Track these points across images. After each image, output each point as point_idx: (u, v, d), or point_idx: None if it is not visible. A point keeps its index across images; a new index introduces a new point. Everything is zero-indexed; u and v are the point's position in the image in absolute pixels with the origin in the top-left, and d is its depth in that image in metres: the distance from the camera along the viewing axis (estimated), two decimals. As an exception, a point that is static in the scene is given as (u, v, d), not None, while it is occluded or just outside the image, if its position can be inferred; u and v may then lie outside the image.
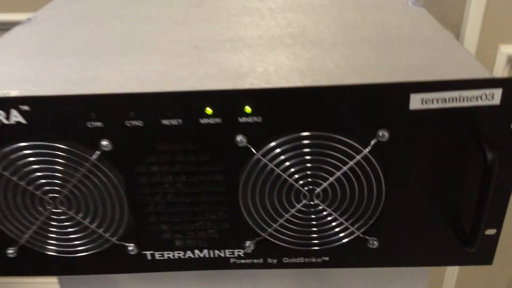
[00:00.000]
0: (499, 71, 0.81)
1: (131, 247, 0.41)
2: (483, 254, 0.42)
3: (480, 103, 0.35)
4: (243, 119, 0.35)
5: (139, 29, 0.49)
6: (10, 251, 0.42)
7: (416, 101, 0.35)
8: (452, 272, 1.07)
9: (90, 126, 0.36)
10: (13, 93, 0.36)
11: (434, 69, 0.37)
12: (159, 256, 0.42)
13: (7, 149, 0.37)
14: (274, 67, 0.38)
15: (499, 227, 0.40)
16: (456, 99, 0.35)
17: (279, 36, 0.45)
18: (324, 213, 0.39)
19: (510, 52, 0.80)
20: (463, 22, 0.78)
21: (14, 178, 0.38)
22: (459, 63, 0.38)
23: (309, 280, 0.51)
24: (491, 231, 0.40)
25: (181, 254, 0.42)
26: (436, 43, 0.41)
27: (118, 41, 0.46)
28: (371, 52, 0.40)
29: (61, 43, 0.46)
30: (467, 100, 0.35)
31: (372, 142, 0.36)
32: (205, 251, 0.42)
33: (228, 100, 0.35)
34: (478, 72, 0.36)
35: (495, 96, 0.34)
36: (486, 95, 0.34)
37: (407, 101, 0.35)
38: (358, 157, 0.37)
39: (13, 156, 0.37)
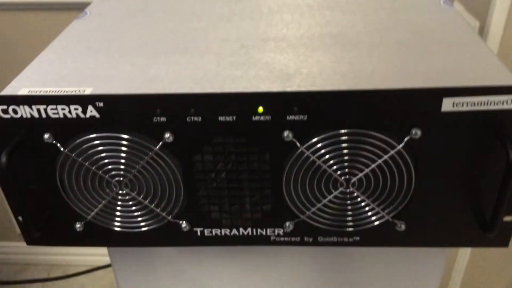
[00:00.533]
0: (524, 59, 0.83)
1: (184, 224, 0.47)
2: (501, 238, 0.46)
3: (505, 107, 0.39)
4: (290, 117, 0.40)
5: (188, 26, 0.53)
6: (78, 225, 0.47)
7: (448, 104, 0.39)
8: (463, 257, 1.12)
9: (155, 120, 0.41)
10: (88, 90, 0.41)
11: (465, 73, 0.40)
12: (208, 233, 0.48)
13: (82, 139, 0.42)
14: (318, 69, 0.42)
15: (517, 215, 0.45)
16: (483, 103, 0.38)
17: (319, 36, 0.49)
18: (358, 199, 0.44)
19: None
20: (489, 11, 0.80)
21: (86, 164, 0.43)
22: (487, 67, 0.41)
23: (330, 258, 0.56)
24: (509, 218, 0.45)
25: (227, 231, 0.48)
26: (466, 47, 0.45)
27: (171, 39, 0.50)
28: (406, 55, 0.44)
29: (120, 39, 0.50)
30: (493, 104, 0.38)
31: (406, 139, 0.40)
32: (249, 229, 0.47)
33: (278, 101, 0.39)
34: (504, 77, 0.40)
35: (520, 101, 0.38)
36: (510, 100, 0.38)
37: (439, 104, 0.39)
38: (392, 152, 0.41)
39: (86, 145, 0.42)
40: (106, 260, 1.39)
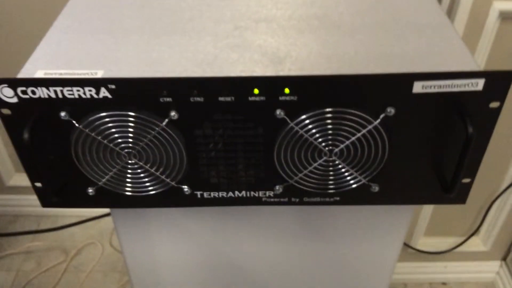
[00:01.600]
0: (490, 25, 0.89)
1: (186, 188, 0.53)
2: (460, 196, 0.54)
3: (467, 89, 0.45)
4: (282, 98, 0.45)
5: (184, 5, 0.56)
6: (90, 190, 0.53)
7: (418, 87, 0.45)
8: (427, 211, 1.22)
9: (162, 100, 0.45)
10: (99, 73, 0.45)
11: (433, 58, 0.46)
12: (207, 196, 0.54)
13: (95, 116, 0.47)
14: (306, 52, 0.48)
15: (473, 177, 0.52)
16: (449, 85, 0.45)
17: (306, 18, 0.53)
18: (339, 166, 0.51)
19: (502, 7, 0.87)
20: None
21: (98, 138, 0.48)
22: (453, 52, 0.47)
23: (313, 216, 0.63)
24: (467, 180, 0.52)
25: (224, 194, 0.54)
26: (437, 30, 0.50)
27: (169, 18, 0.54)
28: (384, 39, 0.49)
29: (120, 18, 0.54)
30: (457, 87, 0.45)
31: (381, 116, 0.47)
32: (243, 192, 0.54)
33: (271, 84, 0.44)
34: (467, 63, 0.46)
35: (479, 84, 0.44)
36: (472, 83, 0.44)
37: (411, 86, 0.45)
38: (370, 127, 0.47)
39: (99, 121, 0.47)
40: (95, 211, 1.46)
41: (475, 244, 1.33)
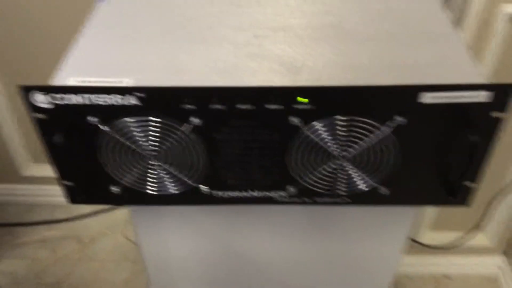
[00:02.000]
0: (500, 28, 0.91)
1: (204, 188, 0.56)
2: (464, 198, 0.57)
3: (473, 100, 0.47)
4: (297, 106, 0.48)
5: (203, 12, 0.59)
6: (114, 188, 0.56)
7: (425, 97, 0.47)
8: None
9: (184, 108, 0.48)
10: (125, 81, 0.48)
11: (440, 70, 0.49)
12: (224, 195, 0.57)
13: (121, 120, 0.50)
14: (322, 62, 0.50)
15: (477, 181, 0.55)
16: (456, 97, 0.47)
17: (322, 27, 0.56)
18: (350, 170, 0.54)
19: (511, 11, 0.89)
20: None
21: (124, 141, 0.51)
22: (459, 65, 0.50)
23: (321, 214, 0.66)
24: (471, 184, 0.55)
25: (240, 193, 0.57)
26: (445, 41, 0.53)
27: (189, 25, 0.57)
28: (396, 49, 0.52)
29: (143, 26, 0.57)
30: (464, 98, 0.47)
31: (393, 124, 0.49)
32: (258, 192, 0.57)
33: (288, 94, 0.47)
34: (472, 75, 0.48)
35: (484, 96, 0.47)
36: (477, 95, 0.47)
37: (420, 96, 0.47)
38: (379, 134, 0.50)
39: (125, 125, 0.50)
40: (108, 202, 1.49)
41: (479, 239, 1.35)
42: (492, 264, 1.40)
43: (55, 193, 1.52)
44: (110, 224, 1.50)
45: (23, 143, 1.46)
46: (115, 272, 1.40)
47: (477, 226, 1.31)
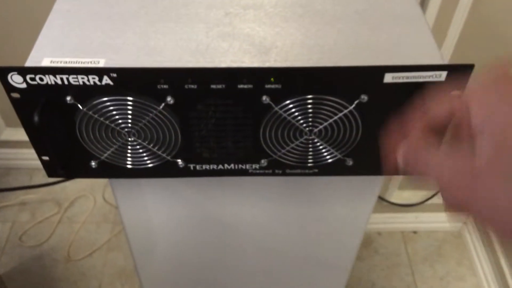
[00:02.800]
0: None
1: (180, 162, 0.59)
2: (424, 168, 0.61)
3: (432, 79, 0.50)
4: (268, 86, 0.50)
5: (177, -13, 0.60)
6: (93, 163, 0.58)
7: (389, 77, 0.50)
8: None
9: (159, 87, 0.50)
10: (102, 62, 0.50)
11: (403, 51, 0.52)
12: (199, 168, 0.60)
13: (98, 100, 0.51)
14: (290, 42, 0.52)
15: (436, 153, 0.59)
16: (416, 77, 0.50)
17: (292, 4, 0.57)
18: (318, 144, 0.57)
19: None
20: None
21: (101, 119, 0.53)
22: (421, 46, 0.52)
23: (294, 180, 0.69)
24: (430, 155, 0.59)
25: (215, 166, 0.60)
26: (408, 22, 0.55)
27: (163, 2, 0.57)
28: (361, 29, 0.54)
29: (118, 2, 0.57)
30: (423, 78, 0.50)
31: (356, 102, 0.52)
32: (232, 165, 0.60)
33: (258, 74, 0.49)
34: (433, 56, 0.51)
35: (442, 76, 0.50)
36: (436, 75, 0.50)
37: (382, 77, 0.50)
38: (345, 111, 0.53)
39: (102, 105, 0.52)
40: (86, 165, 1.51)
41: (445, 197, 1.43)
42: (456, 219, 1.48)
43: (32, 157, 1.52)
44: (89, 186, 1.53)
45: (-3, 108, 1.45)
46: (96, 233, 1.44)
47: (443, 185, 1.38)
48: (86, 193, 1.51)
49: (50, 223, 1.44)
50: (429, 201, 1.40)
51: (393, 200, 1.40)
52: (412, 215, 1.46)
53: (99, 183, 1.52)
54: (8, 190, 1.49)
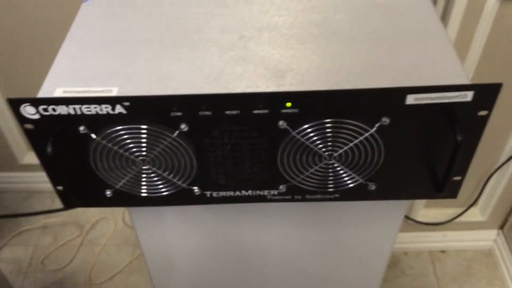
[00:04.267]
0: (489, 8, 0.91)
1: (196, 189, 0.57)
2: (451, 191, 0.58)
3: (457, 100, 0.48)
4: (284, 110, 0.49)
5: (189, 12, 0.59)
6: (108, 192, 0.57)
7: (411, 99, 0.48)
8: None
9: (172, 115, 0.49)
10: (114, 90, 0.49)
11: (425, 71, 0.49)
12: (216, 195, 0.58)
13: (111, 129, 0.50)
14: (306, 65, 0.50)
15: (463, 175, 0.56)
16: (439, 97, 0.48)
17: (307, 25, 0.56)
18: (338, 168, 0.55)
19: (501, -8, 0.89)
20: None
21: (115, 148, 0.52)
22: (444, 65, 0.50)
23: (315, 205, 0.67)
24: (457, 178, 0.56)
25: (232, 193, 0.58)
26: (430, 40, 0.53)
27: (175, 27, 0.56)
28: (379, 49, 0.52)
29: (129, 29, 0.57)
30: (448, 98, 0.48)
31: (377, 125, 0.50)
32: (250, 191, 0.58)
33: (274, 99, 0.48)
34: (457, 75, 0.49)
35: (468, 96, 0.48)
36: (461, 95, 0.48)
37: (404, 98, 0.48)
38: (366, 134, 0.51)
39: (115, 134, 0.51)
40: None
41: (474, 214, 1.38)
42: (486, 238, 1.43)
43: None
44: (109, 209, 1.52)
45: (18, 131, 1.46)
46: (116, 256, 1.43)
47: (471, 202, 1.33)
48: (107, 215, 1.51)
49: (72, 246, 1.44)
50: (457, 219, 1.35)
51: (419, 218, 1.35)
52: (440, 233, 1.41)
53: (120, 206, 1.51)
54: (30, 214, 1.50)
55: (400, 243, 1.42)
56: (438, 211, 1.36)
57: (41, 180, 1.56)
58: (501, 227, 1.40)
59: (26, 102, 0.48)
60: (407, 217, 1.34)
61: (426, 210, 1.35)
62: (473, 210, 1.37)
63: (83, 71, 0.51)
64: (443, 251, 1.44)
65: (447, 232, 1.41)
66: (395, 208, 0.67)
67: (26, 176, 1.56)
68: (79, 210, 1.51)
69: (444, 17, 0.93)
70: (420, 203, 1.32)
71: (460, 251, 1.44)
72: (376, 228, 0.72)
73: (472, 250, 1.44)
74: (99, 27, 0.57)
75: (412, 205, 1.32)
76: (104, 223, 1.50)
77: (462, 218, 1.36)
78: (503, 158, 1.20)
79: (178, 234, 0.72)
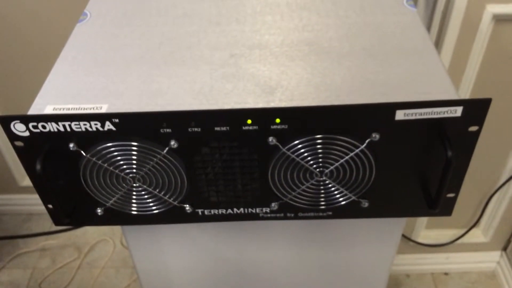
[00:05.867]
0: (484, 28, 0.91)
1: (187, 207, 0.57)
2: (446, 209, 0.57)
3: (446, 115, 0.48)
4: (274, 126, 0.48)
5: (182, 30, 0.59)
6: (99, 210, 0.57)
7: (400, 115, 0.48)
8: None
9: (162, 131, 0.49)
10: (104, 107, 0.49)
11: (415, 87, 0.49)
12: (208, 213, 0.58)
13: (101, 146, 0.50)
14: (296, 81, 0.51)
15: (457, 192, 0.55)
16: (429, 113, 0.48)
17: (297, 43, 0.56)
18: (330, 185, 0.54)
19: (495, 11, 0.89)
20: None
21: (105, 165, 0.52)
22: (434, 81, 0.50)
23: (310, 224, 0.67)
24: (451, 195, 0.56)
25: (224, 211, 0.58)
26: (420, 57, 0.53)
27: (167, 45, 0.57)
28: (369, 66, 0.52)
29: (122, 47, 0.57)
30: (437, 114, 0.48)
31: (367, 140, 0.50)
32: (242, 209, 0.57)
33: (263, 115, 0.48)
34: (447, 91, 0.49)
35: (457, 111, 0.47)
36: (451, 111, 0.47)
37: (394, 114, 0.48)
38: (356, 150, 0.50)
39: (105, 151, 0.51)
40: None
41: (476, 235, 1.36)
42: (490, 259, 1.40)
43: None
44: (109, 230, 1.51)
45: (19, 154, 1.47)
46: (115, 278, 1.42)
47: (473, 223, 1.31)
48: (106, 237, 1.50)
49: (70, 269, 1.43)
50: (460, 241, 1.34)
51: (420, 240, 1.33)
52: (443, 255, 1.39)
53: (119, 227, 1.50)
54: (29, 236, 1.49)
55: (402, 265, 1.40)
56: (440, 232, 1.34)
57: (40, 202, 1.54)
58: (504, 249, 1.38)
59: (15, 120, 0.48)
60: (408, 238, 1.32)
61: (428, 231, 1.34)
62: (475, 231, 1.35)
63: (74, 89, 0.52)
64: (446, 273, 1.42)
65: (450, 254, 1.39)
66: (392, 227, 0.66)
67: (25, 198, 1.56)
68: (78, 232, 1.50)
69: (439, 38, 0.94)
70: (421, 224, 1.31)
71: (464, 273, 1.42)
72: (373, 247, 0.71)
73: (476, 272, 1.42)
74: (92, 46, 0.58)
75: (413, 226, 1.31)
76: (103, 245, 1.49)
77: (465, 240, 1.34)
78: (503, 178, 1.19)
79: (173, 252, 0.71)
